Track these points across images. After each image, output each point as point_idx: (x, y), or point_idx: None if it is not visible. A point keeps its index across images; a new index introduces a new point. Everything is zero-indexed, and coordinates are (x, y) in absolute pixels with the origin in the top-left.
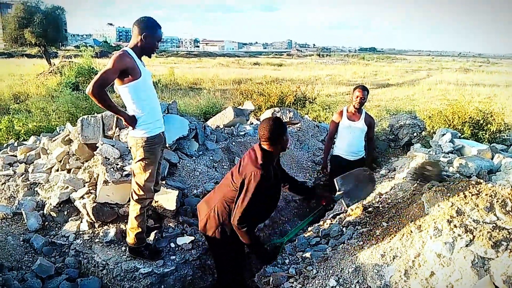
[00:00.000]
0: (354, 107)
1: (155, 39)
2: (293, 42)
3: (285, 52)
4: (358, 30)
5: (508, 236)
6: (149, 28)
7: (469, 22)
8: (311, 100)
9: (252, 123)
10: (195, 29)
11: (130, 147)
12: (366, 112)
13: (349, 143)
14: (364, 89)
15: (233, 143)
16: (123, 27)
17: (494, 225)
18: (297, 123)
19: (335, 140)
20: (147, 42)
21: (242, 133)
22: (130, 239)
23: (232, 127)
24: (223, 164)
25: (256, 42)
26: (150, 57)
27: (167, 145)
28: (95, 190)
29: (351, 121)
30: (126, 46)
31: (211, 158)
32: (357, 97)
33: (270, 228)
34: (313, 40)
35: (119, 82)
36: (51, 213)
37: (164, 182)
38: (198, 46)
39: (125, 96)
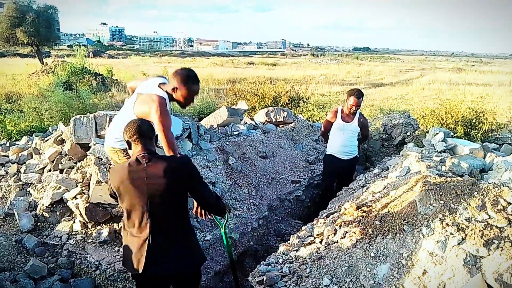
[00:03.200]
0: (348, 111)
1: (185, 94)
2: (287, 41)
3: (279, 51)
4: (352, 30)
5: (499, 234)
6: (181, 81)
7: (462, 22)
8: (305, 100)
9: (246, 123)
10: (189, 29)
11: (110, 158)
12: (360, 113)
13: (342, 144)
14: (359, 97)
15: (227, 143)
16: (116, 26)
17: (486, 223)
18: (291, 123)
19: (328, 134)
20: (177, 96)
21: (236, 132)
22: None
23: (226, 126)
24: (217, 164)
25: (250, 42)
26: (183, 108)
27: (160, 146)
28: (88, 190)
29: (345, 122)
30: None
31: (205, 158)
32: (351, 105)
33: (264, 227)
34: (307, 40)
35: (144, 115)
36: (44, 213)
37: None
38: (192, 46)
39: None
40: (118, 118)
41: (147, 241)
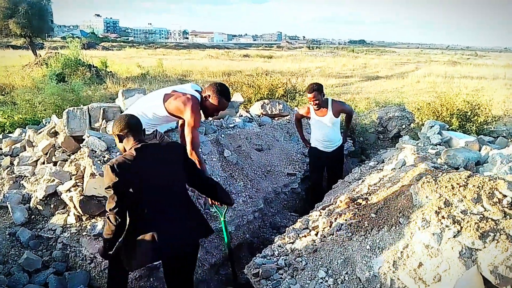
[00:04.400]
0: (314, 108)
1: (215, 105)
2: (283, 34)
3: (275, 44)
4: (348, 23)
5: (495, 227)
6: (216, 92)
7: (458, 16)
8: (301, 93)
9: (242, 115)
10: (184, 21)
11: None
12: (333, 101)
13: (322, 139)
14: (311, 91)
15: (222, 136)
16: (111, 18)
17: (482, 216)
18: (286, 115)
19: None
20: (207, 103)
21: (231, 125)
22: None
23: (221, 119)
24: (212, 156)
25: (246, 34)
26: (205, 117)
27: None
28: (82, 183)
29: (319, 116)
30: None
31: (200, 150)
32: (310, 100)
33: (260, 220)
34: (303, 33)
35: (177, 110)
36: (37, 206)
37: None
38: (187, 38)
39: (156, 116)
40: (139, 105)
41: (177, 221)
